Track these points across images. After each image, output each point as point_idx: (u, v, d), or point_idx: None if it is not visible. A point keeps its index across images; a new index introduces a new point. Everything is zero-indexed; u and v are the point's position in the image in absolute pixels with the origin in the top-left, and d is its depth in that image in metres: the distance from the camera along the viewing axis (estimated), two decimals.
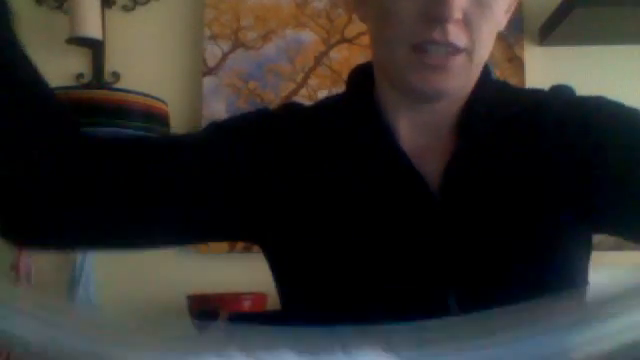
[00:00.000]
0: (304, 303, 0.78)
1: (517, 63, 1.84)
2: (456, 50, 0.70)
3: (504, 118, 0.78)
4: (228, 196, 0.78)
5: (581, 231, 0.76)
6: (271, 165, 0.79)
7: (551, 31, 1.77)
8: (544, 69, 1.85)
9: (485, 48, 0.73)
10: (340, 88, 0.85)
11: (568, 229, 0.74)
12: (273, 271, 0.82)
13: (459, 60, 0.71)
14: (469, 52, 0.71)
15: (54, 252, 0.82)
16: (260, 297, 1.65)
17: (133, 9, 1.93)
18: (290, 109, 0.86)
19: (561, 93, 0.81)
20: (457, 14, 0.68)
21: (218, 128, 0.83)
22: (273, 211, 0.79)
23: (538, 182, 0.74)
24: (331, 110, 0.84)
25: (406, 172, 0.76)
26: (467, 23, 0.70)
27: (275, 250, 0.81)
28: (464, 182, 0.75)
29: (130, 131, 1.60)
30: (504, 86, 0.85)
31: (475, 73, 0.75)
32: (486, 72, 0.81)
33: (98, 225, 0.75)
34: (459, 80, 0.72)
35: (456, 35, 0.69)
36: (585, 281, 0.78)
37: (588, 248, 0.78)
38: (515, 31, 1.85)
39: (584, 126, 0.74)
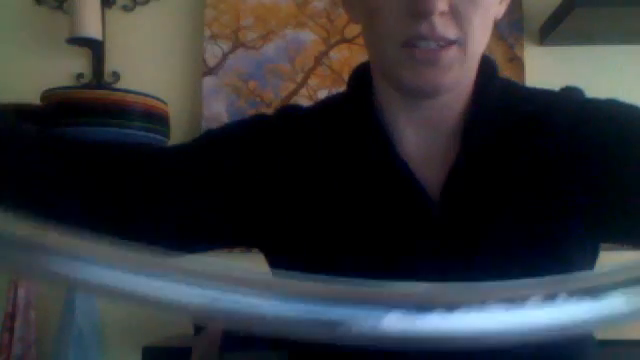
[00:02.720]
0: None
1: (517, 63, 1.84)
2: (447, 43, 0.68)
3: (510, 121, 0.75)
4: (224, 205, 0.77)
5: (589, 242, 0.73)
6: (269, 173, 0.78)
7: (551, 31, 1.77)
8: (544, 69, 1.85)
9: (479, 39, 0.70)
10: (340, 88, 0.85)
11: (576, 241, 0.71)
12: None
13: (451, 53, 0.68)
14: (461, 44, 0.68)
15: None
16: None
17: (133, 9, 1.93)
18: (287, 113, 0.83)
19: (571, 95, 0.77)
20: (442, 6, 0.66)
21: (213, 136, 0.81)
22: (271, 219, 0.78)
23: (545, 191, 0.71)
24: (330, 112, 0.82)
25: (405, 180, 0.73)
26: (455, 14, 0.67)
27: (274, 257, 0.81)
28: (466, 191, 0.72)
29: (130, 131, 1.59)
30: (511, 85, 0.82)
31: (471, 66, 0.72)
32: (491, 69, 0.78)
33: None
34: (452, 74, 0.69)
35: (444, 28, 0.67)
36: None
37: (594, 256, 0.75)
38: (515, 31, 1.85)
39: (596, 132, 0.71)
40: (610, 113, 0.73)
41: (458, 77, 0.71)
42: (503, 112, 0.76)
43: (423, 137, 0.76)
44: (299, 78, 1.88)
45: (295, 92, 1.87)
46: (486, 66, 0.77)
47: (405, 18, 0.67)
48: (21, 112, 1.66)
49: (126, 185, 0.74)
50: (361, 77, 0.81)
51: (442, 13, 0.66)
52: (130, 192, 0.74)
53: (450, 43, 0.68)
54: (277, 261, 0.80)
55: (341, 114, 0.80)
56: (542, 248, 0.70)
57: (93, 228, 0.77)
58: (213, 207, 0.77)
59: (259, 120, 0.84)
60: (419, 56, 0.68)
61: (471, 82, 0.76)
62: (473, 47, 0.69)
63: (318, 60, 1.89)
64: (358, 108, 0.79)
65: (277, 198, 0.77)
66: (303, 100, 1.85)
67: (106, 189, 0.74)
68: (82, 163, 0.74)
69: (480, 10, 0.68)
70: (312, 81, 1.88)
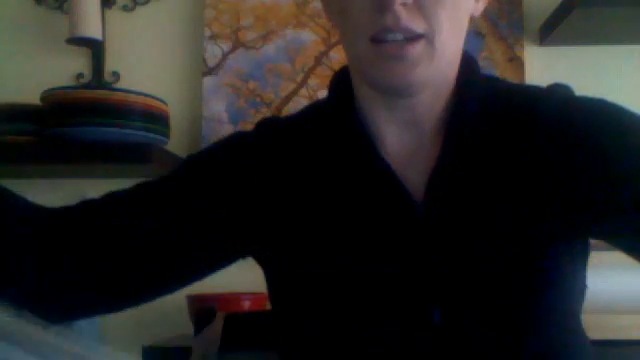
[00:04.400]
0: (293, 315, 0.78)
1: (517, 63, 1.84)
2: (415, 37, 0.68)
3: (494, 118, 0.75)
4: (214, 232, 0.78)
5: (576, 238, 0.73)
6: (256, 188, 0.78)
7: (551, 31, 1.77)
8: (544, 69, 1.85)
9: (449, 34, 0.70)
10: None
11: (562, 238, 0.71)
12: (267, 283, 0.83)
13: (418, 48, 0.68)
14: (429, 38, 0.68)
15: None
16: (260, 297, 1.65)
17: (133, 9, 1.93)
18: (268, 127, 0.84)
19: (559, 92, 0.77)
20: None
21: (193, 165, 0.82)
22: (260, 234, 0.79)
23: (529, 188, 0.71)
24: (313, 119, 0.82)
25: (388, 182, 0.73)
26: (420, 7, 0.68)
27: (266, 267, 0.82)
28: (449, 190, 0.72)
29: (130, 131, 1.59)
30: (494, 82, 0.81)
31: (443, 62, 0.72)
32: (472, 66, 0.78)
33: (102, 298, 0.79)
34: (421, 70, 0.69)
35: (409, 19, 0.67)
36: (582, 285, 0.76)
37: (584, 253, 0.75)
38: (515, 31, 1.85)
39: (582, 132, 0.71)
40: (593, 112, 0.73)
41: (427, 73, 0.70)
42: (486, 110, 0.75)
43: (406, 136, 0.76)
44: (299, 78, 1.88)
45: (295, 92, 1.87)
46: (467, 63, 0.77)
47: (372, 12, 0.68)
48: (21, 112, 1.66)
49: (115, 244, 0.77)
50: (341, 80, 0.81)
51: (405, 4, 0.67)
52: (117, 249, 0.77)
53: (417, 37, 0.68)
54: (269, 271, 0.81)
55: (323, 119, 0.80)
56: (527, 245, 0.70)
57: (107, 300, 0.81)
58: (203, 238, 0.79)
59: (239, 138, 0.84)
60: (385, 52, 0.68)
61: (452, 80, 0.75)
62: (442, 42, 0.69)
63: (318, 60, 1.89)
64: (339, 112, 0.79)
65: (267, 210, 0.78)
66: (303, 100, 1.85)
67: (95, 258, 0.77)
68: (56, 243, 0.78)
69: (447, 3, 0.68)
70: (312, 81, 1.88)
